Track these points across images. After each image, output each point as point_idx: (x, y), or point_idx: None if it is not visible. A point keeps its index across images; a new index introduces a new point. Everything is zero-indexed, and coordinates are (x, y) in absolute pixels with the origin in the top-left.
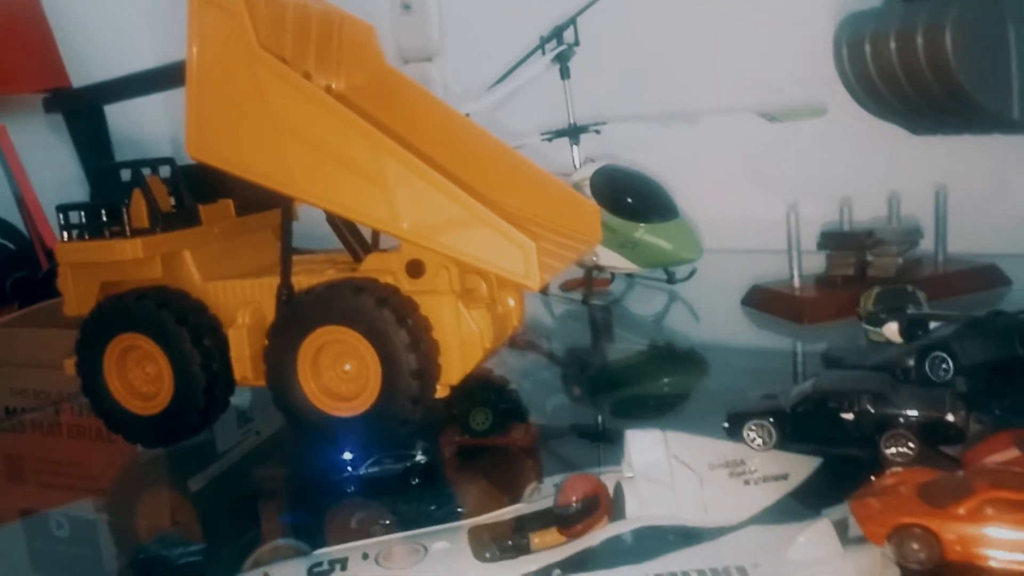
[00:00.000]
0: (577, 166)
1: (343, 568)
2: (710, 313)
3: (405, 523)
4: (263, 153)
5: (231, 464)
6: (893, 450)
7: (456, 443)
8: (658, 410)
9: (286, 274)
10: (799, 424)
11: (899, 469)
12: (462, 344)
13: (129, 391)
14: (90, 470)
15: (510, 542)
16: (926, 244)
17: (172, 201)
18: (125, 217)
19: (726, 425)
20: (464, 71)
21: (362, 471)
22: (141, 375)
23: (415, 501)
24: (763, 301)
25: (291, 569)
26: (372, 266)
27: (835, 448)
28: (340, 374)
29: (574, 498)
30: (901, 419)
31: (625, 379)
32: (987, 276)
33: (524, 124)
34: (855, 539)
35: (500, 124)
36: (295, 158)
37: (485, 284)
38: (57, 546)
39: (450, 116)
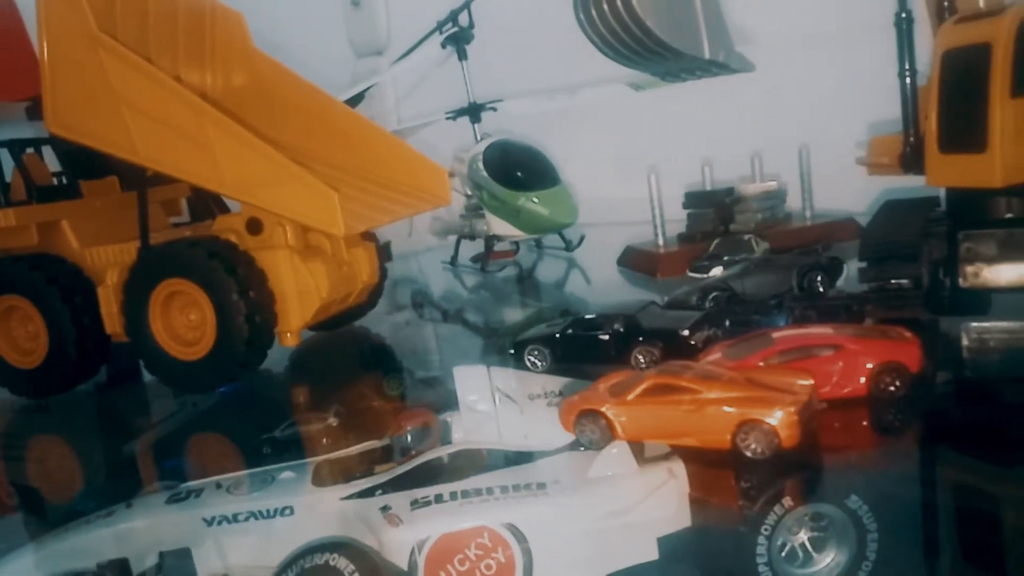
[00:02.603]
0: (477, 141)
1: (197, 496)
2: (592, 274)
3: None
4: (108, 125)
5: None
6: (640, 360)
7: None
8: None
9: (144, 235)
10: (567, 346)
11: (617, 373)
12: (299, 294)
13: (12, 347)
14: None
15: (356, 472)
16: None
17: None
18: (0, 191)
19: (512, 351)
20: None
21: (278, 434)
22: (22, 332)
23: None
24: (632, 260)
25: (153, 499)
26: (219, 226)
27: (596, 363)
28: (187, 322)
29: (406, 428)
30: (642, 337)
31: (501, 332)
32: (846, 228)
33: (432, 104)
34: (650, 459)
35: (410, 106)
36: (134, 128)
37: (330, 241)
38: None
39: (310, 92)
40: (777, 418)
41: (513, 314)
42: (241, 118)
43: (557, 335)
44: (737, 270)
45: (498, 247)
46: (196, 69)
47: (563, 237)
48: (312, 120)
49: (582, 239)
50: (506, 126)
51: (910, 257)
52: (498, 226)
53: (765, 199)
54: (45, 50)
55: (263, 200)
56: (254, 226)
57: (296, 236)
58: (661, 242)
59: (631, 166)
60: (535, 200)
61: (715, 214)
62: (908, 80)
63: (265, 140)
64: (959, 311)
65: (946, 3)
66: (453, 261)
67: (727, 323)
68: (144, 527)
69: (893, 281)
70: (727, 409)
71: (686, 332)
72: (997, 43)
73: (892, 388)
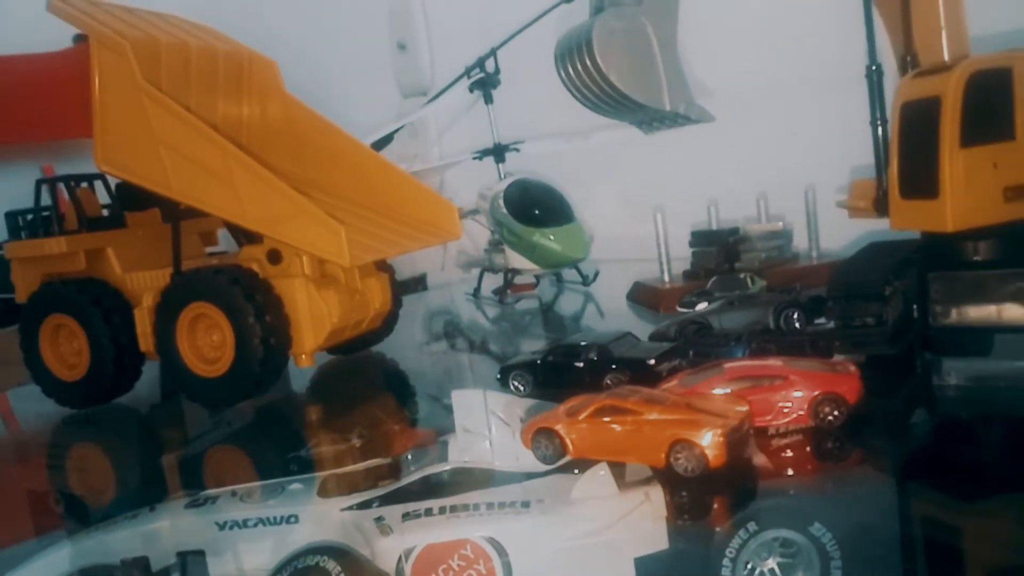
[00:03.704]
0: (500, 180)
1: (213, 503)
2: (605, 307)
3: None
4: (147, 163)
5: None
6: (610, 386)
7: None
8: None
9: (176, 262)
10: (546, 372)
11: (578, 397)
12: (313, 319)
13: (59, 362)
14: None
15: (360, 486)
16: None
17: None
18: (55, 221)
19: (498, 376)
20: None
21: (303, 453)
22: (68, 349)
23: None
24: (639, 295)
25: (174, 504)
26: (244, 255)
27: (572, 388)
28: (210, 342)
29: (408, 447)
30: (614, 364)
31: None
32: None
33: (458, 145)
34: (631, 483)
35: (443, 145)
36: (169, 166)
37: (344, 271)
38: None
39: (334, 133)
40: (706, 439)
41: (526, 343)
42: (272, 154)
43: (538, 362)
44: (717, 306)
45: (519, 280)
46: (234, 111)
47: (580, 272)
48: (335, 158)
49: (596, 274)
50: (529, 167)
51: (875, 296)
52: (516, 260)
53: (770, 239)
54: (96, 96)
55: (279, 233)
56: (274, 256)
57: (312, 266)
58: (667, 279)
59: (644, 205)
60: (550, 237)
61: (719, 253)
62: (880, 128)
63: (292, 176)
64: (945, 350)
65: (908, 57)
66: (476, 293)
67: (691, 354)
68: (164, 529)
69: (857, 319)
70: (663, 430)
71: (652, 361)
72: (946, 96)
73: (831, 418)
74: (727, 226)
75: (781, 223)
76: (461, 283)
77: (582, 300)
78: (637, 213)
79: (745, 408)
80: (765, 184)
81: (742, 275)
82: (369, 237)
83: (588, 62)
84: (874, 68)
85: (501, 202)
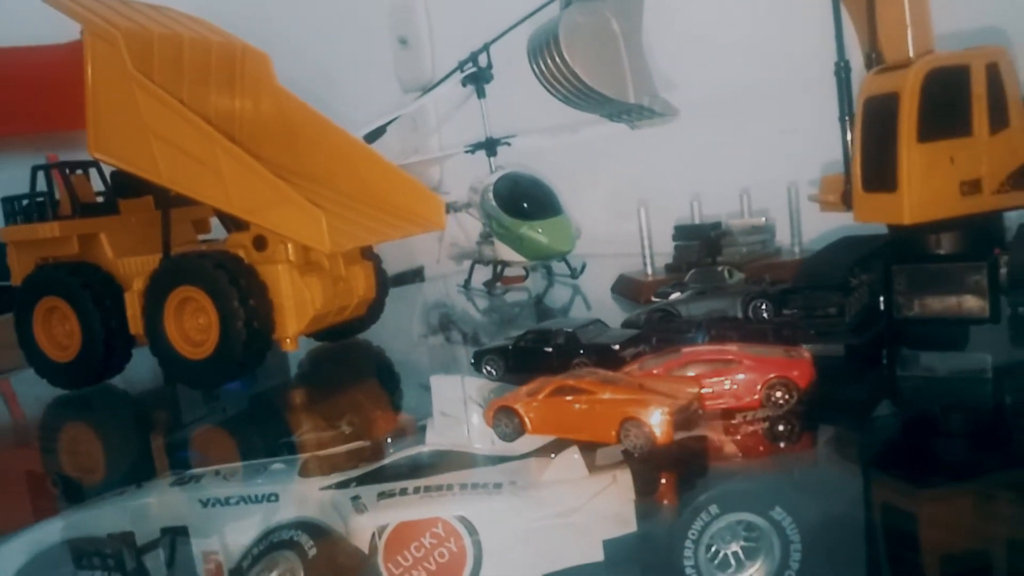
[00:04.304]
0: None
1: (197, 481)
2: (592, 299)
3: None
4: (137, 150)
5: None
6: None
7: None
8: None
9: (166, 247)
10: (517, 357)
11: (541, 379)
12: (296, 304)
13: (52, 343)
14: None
15: (341, 467)
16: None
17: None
18: (48, 207)
19: (472, 361)
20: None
21: (295, 438)
22: (61, 331)
23: None
24: (622, 287)
25: (160, 482)
26: (231, 242)
27: (542, 373)
28: (196, 325)
29: (387, 431)
30: (581, 350)
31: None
32: None
33: (459, 138)
34: (601, 466)
35: (443, 138)
36: (158, 153)
37: (328, 259)
38: None
39: (324, 124)
40: (654, 417)
41: (512, 333)
42: (263, 145)
43: (509, 347)
44: (686, 296)
45: (509, 272)
46: (226, 101)
47: (568, 265)
48: (324, 149)
49: (583, 267)
50: (521, 161)
51: (837, 287)
52: (505, 252)
53: (752, 233)
54: (89, 85)
55: (262, 219)
56: (260, 243)
57: (297, 253)
58: (649, 271)
59: (631, 200)
60: (539, 230)
61: (700, 246)
62: (847, 124)
63: (282, 165)
64: (917, 343)
65: (874, 55)
66: (467, 284)
67: (654, 340)
68: (150, 506)
69: (819, 310)
70: (614, 408)
71: (617, 347)
72: (903, 93)
73: (782, 401)
74: (711, 221)
75: (764, 218)
76: (456, 275)
77: (570, 292)
78: (624, 209)
79: (695, 390)
80: (749, 180)
81: (720, 268)
82: (351, 224)
83: (556, 56)
84: (842, 65)
85: (491, 195)
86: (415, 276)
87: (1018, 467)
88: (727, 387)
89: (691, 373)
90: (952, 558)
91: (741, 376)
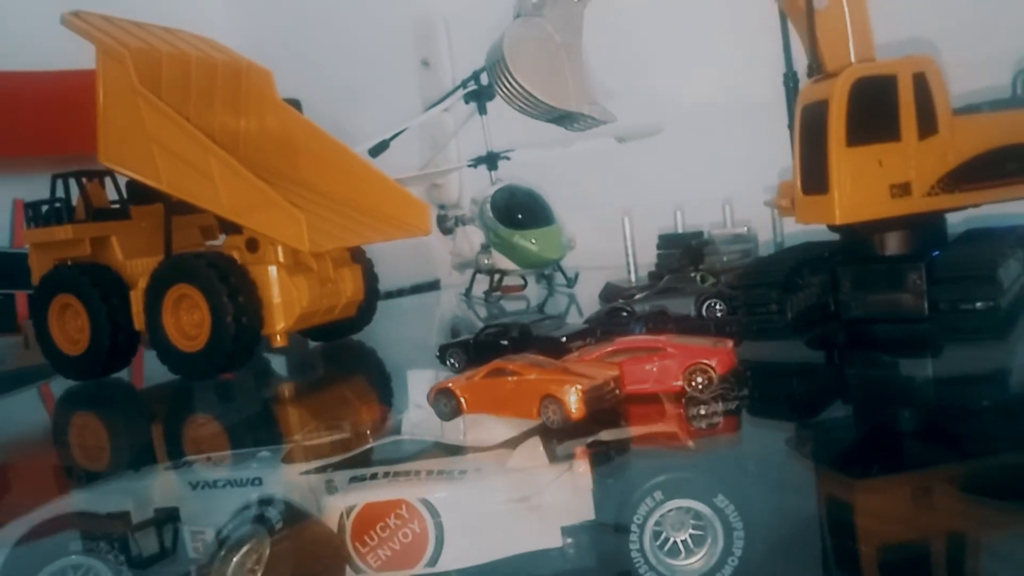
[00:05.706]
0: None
1: (189, 467)
2: (584, 306)
3: None
4: (141, 158)
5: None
6: None
7: None
8: None
9: (167, 249)
10: (477, 350)
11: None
12: (284, 303)
13: (65, 338)
14: None
15: (323, 455)
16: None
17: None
18: (64, 211)
19: (437, 355)
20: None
21: (299, 438)
22: (73, 326)
23: None
24: (609, 293)
25: (156, 467)
26: (227, 244)
27: None
28: (191, 320)
29: (366, 421)
30: (535, 342)
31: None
32: None
33: (474, 152)
34: (561, 455)
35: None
36: (159, 161)
37: (317, 261)
38: None
39: (321, 137)
40: (569, 394)
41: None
42: (266, 156)
43: (470, 341)
44: (643, 296)
45: (508, 281)
46: (231, 116)
47: (564, 274)
48: (321, 159)
49: (576, 276)
50: (521, 174)
51: (776, 286)
52: (501, 262)
53: (734, 242)
54: (100, 99)
55: (250, 221)
56: (252, 245)
57: (286, 254)
58: (633, 279)
59: (621, 211)
60: (532, 240)
61: (682, 255)
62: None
63: (282, 174)
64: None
65: (814, 65)
66: (467, 293)
67: (598, 332)
68: (145, 488)
69: (759, 307)
70: (536, 387)
71: (564, 339)
72: (832, 100)
73: (700, 386)
74: (694, 230)
75: (746, 228)
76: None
77: (565, 300)
78: (617, 220)
79: (614, 372)
80: (732, 190)
81: (693, 274)
82: (334, 227)
83: (503, 66)
84: (790, 75)
85: (488, 207)
86: (431, 287)
87: (953, 459)
88: (650, 371)
89: (619, 360)
90: (888, 547)
91: (663, 362)
